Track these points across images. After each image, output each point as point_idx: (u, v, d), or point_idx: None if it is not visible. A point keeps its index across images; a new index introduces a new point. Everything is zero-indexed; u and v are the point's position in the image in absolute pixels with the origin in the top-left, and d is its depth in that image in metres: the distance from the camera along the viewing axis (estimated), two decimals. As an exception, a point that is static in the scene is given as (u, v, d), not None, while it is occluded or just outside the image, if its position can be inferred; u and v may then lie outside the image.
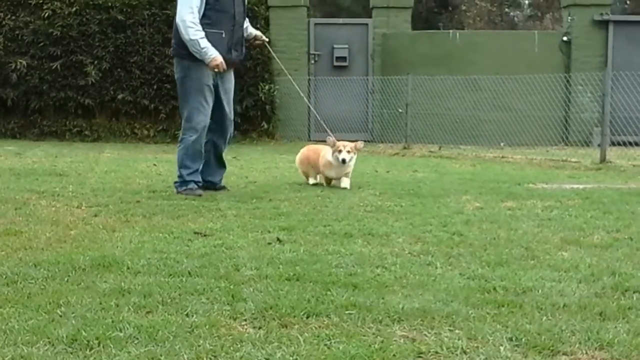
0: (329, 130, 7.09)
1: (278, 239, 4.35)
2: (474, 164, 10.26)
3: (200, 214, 5.29)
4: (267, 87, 14.23)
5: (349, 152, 6.75)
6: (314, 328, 2.77)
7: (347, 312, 2.95)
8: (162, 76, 13.96)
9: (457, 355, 2.55)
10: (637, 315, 2.97)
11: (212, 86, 6.35)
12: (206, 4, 6.18)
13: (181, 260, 3.79)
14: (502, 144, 13.15)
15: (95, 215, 5.20)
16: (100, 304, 3.02)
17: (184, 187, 6.32)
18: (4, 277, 3.41)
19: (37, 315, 2.86)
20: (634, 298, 3.22)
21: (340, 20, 16.15)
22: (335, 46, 14.91)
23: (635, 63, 12.94)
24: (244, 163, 9.69)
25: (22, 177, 7.45)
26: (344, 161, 6.73)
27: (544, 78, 12.88)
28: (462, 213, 5.46)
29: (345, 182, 6.87)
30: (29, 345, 2.55)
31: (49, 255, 3.87)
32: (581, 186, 7.33)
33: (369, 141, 13.02)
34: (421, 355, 2.54)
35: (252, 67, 14.11)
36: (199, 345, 2.57)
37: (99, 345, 2.56)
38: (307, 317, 2.88)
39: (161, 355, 2.49)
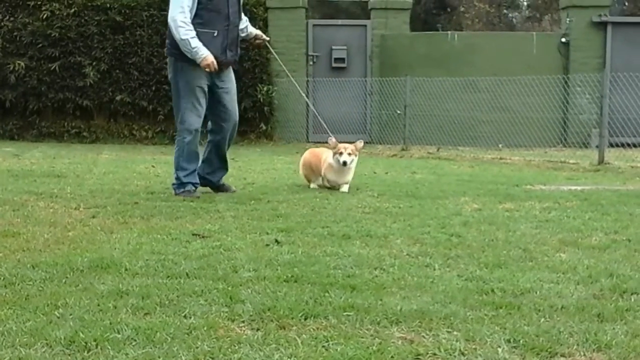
0: (329, 132, 7.02)
1: (276, 241, 4.34)
2: (472, 166, 10.27)
3: (199, 216, 5.29)
4: (265, 89, 14.25)
5: (349, 154, 6.64)
6: (312, 330, 2.77)
7: (345, 313, 2.95)
8: (161, 77, 13.95)
9: (455, 357, 2.55)
10: (635, 317, 2.97)
11: (204, 88, 6.30)
12: (198, 3, 6.13)
13: (179, 261, 3.79)
14: (500, 146, 13.16)
15: (94, 217, 5.20)
16: (98, 305, 3.01)
17: (182, 190, 6.31)
18: (2, 278, 3.41)
19: (35, 317, 2.86)
20: (632, 300, 3.22)
21: (339, 22, 16.16)
22: (333, 47, 14.91)
23: (634, 64, 12.94)
24: (242, 164, 9.69)
25: (20, 179, 7.45)
26: (344, 164, 6.62)
27: (542, 79, 12.90)
28: (460, 214, 5.46)
29: (345, 187, 6.80)
30: (27, 347, 2.55)
31: (47, 256, 3.87)
32: (579, 188, 7.34)
33: (367, 142, 12.98)
34: (419, 357, 2.54)
35: (250, 68, 14.13)
36: (197, 347, 2.57)
37: (96, 347, 2.56)
38: (305, 319, 2.88)
39: (159, 357, 2.49)
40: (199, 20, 6.15)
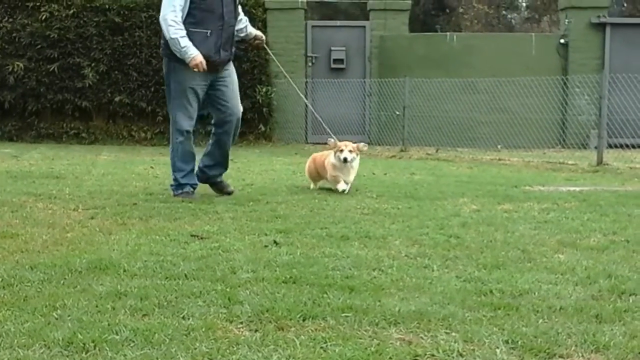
0: (330, 132, 7.00)
1: (275, 242, 4.35)
2: (471, 167, 10.27)
3: (197, 217, 5.28)
4: (264, 90, 14.25)
5: (350, 151, 6.60)
6: (310, 331, 2.77)
7: (343, 314, 2.95)
8: (160, 79, 13.88)
9: (453, 358, 2.55)
10: (633, 318, 2.97)
11: (197, 89, 6.23)
12: (191, 2, 6.07)
13: (178, 263, 3.79)
14: (499, 147, 13.16)
15: (92, 218, 5.20)
16: (97, 306, 3.01)
17: (180, 191, 6.30)
18: (0, 279, 3.41)
19: (33, 318, 2.86)
20: (630, 300, 3.22)
21: (338, 23, 16.17)
22: (332, 48, 14.92)
23: (633, 65, 12.97)
24: (241, 165, 9.69)
25: (19, 180, 7.45)
26: (345, 160, 6.57)
27: (541, 80, 12.91)
28: (459, 216, 5.46)
29: (343, 185, 6.76)
30: (25, 348, 2.55)
31: (45, 257, 3.87)
32: (578, 189, 7.34)
33: (366, 144, 13.02)
34: (417, 358, 2.55)
35: (249, 69, 14.13)
36: (195, 348, 2.57)
37: (95, 348, 2.56)
38: (304, 320, 2.88)
39: (157, 358, 2.49)
40: (192, 19, 6.10)
